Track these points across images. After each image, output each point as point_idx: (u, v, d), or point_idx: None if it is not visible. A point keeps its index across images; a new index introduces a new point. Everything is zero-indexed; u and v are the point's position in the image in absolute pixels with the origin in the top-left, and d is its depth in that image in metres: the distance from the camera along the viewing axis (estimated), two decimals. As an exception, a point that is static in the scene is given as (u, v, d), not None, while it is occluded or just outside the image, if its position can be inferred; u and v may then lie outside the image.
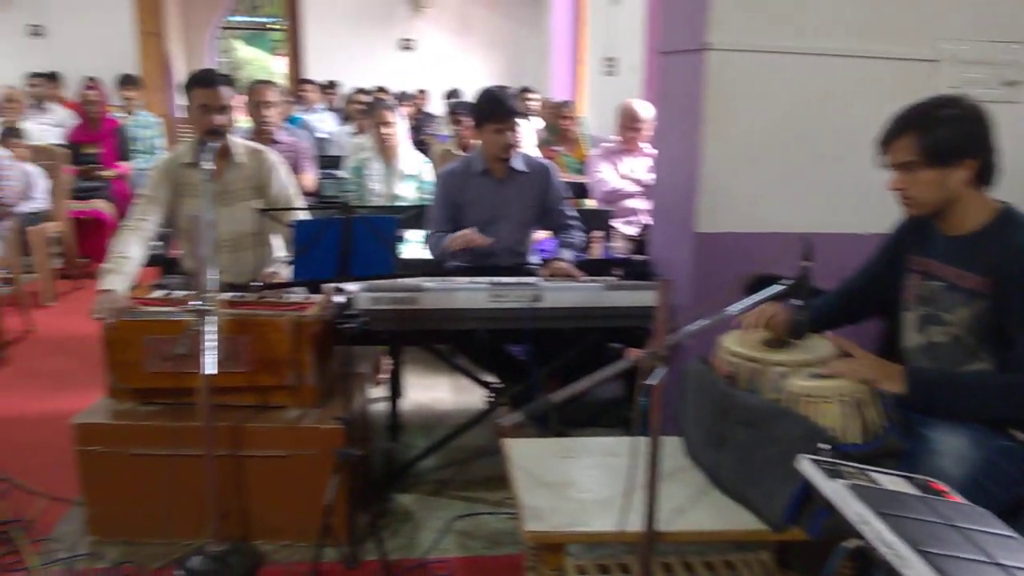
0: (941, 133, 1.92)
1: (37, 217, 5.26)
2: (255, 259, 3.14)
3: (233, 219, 3.07)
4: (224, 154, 3.05)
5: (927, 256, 2.07)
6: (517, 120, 3.23)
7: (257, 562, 2.50)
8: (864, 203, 2.87)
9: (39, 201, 5.30)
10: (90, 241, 5.85)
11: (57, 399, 3.62)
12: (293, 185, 3.26)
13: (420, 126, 8.21)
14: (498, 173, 3.34)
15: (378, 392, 3.50)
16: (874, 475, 1.56)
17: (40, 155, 5.60)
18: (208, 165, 2.67)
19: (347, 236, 2.36)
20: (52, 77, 8.41)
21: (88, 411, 2.64)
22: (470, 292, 2.79)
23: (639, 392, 1.63)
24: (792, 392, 1.92)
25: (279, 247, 3.22)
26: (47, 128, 7.25)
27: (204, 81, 2.96)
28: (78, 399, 2.77)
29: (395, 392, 3.33)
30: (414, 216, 3.48)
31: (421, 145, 7.01)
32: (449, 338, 3.13)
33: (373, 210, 3.79)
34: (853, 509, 1.39)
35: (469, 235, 3.14)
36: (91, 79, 8.30)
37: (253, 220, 3.07)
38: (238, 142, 3.13)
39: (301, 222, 2.48)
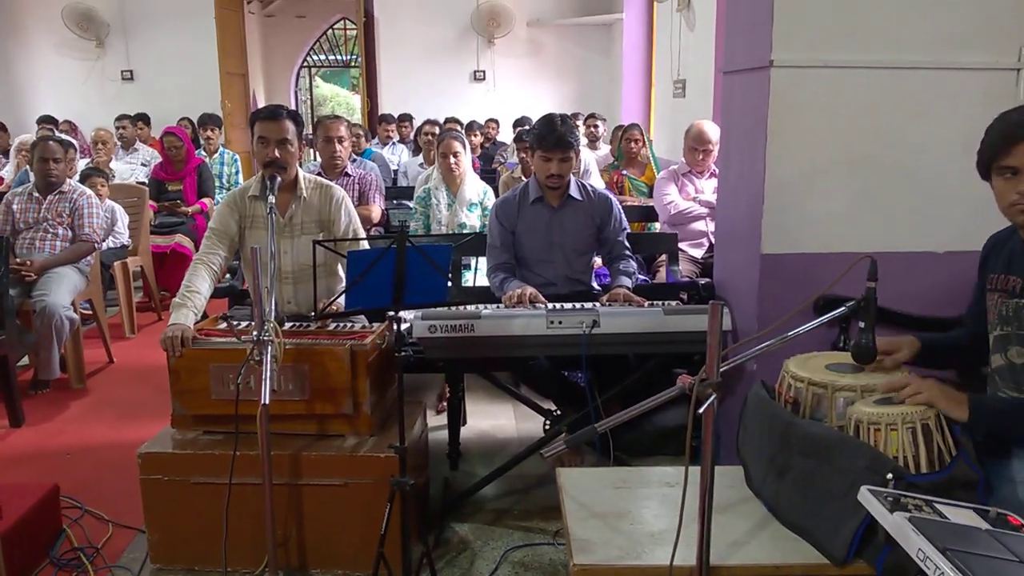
0: None
1: (120, 252, 5.49)
2: (322, 291, 3.18)
3: (297, 251, 3.12)
4: (290, 188, 3.11)
5: (1009, 273, 1.94)
6: (567, 149, 3.17)
7: (313, 591, 2.50)
8: (938, 220, 2.74)
9: (121, 236, 5.53)
10: (172, 275, 6.05)
11: (131, 428, 3.74)
12: (358, 219, 3.29)
13: (490, 155, 8.29)
14: (552, 201, 3.31)
15: (440, 420, 3.49)
16: (941, 507, 1.45)
17: (124, 192, 5.86)
18: (272, 199, 2.74)
19: (401, 264, 2.36)
20: (139, 118, 8.82)
21: (152, 440, 2.70)
22: (527, 319, 2.76)
23: (692, 420, 1.57)
24: (856, 419, 1.81)
25: (336, 276, 3.25)
26: (135, 167, 7.60)
27: (265, 115, 3.02)
28: (151, 428, 2.84)
29: (455, 420, 3.32)
30: (477, 243, 3.47)
31: (491, 173, 7.08)
32: (507, 365, 3.10)
33: (433, 238, 3.81)
34: (913, 544, 1.30)
35: (526, 294, 3.07)
36: (182, 120, 8.70)
37: (317, 252, 3.11)
38: (305, 177, 3.19)
39: (354, 252, 2.49)
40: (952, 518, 1.41)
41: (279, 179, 2.91)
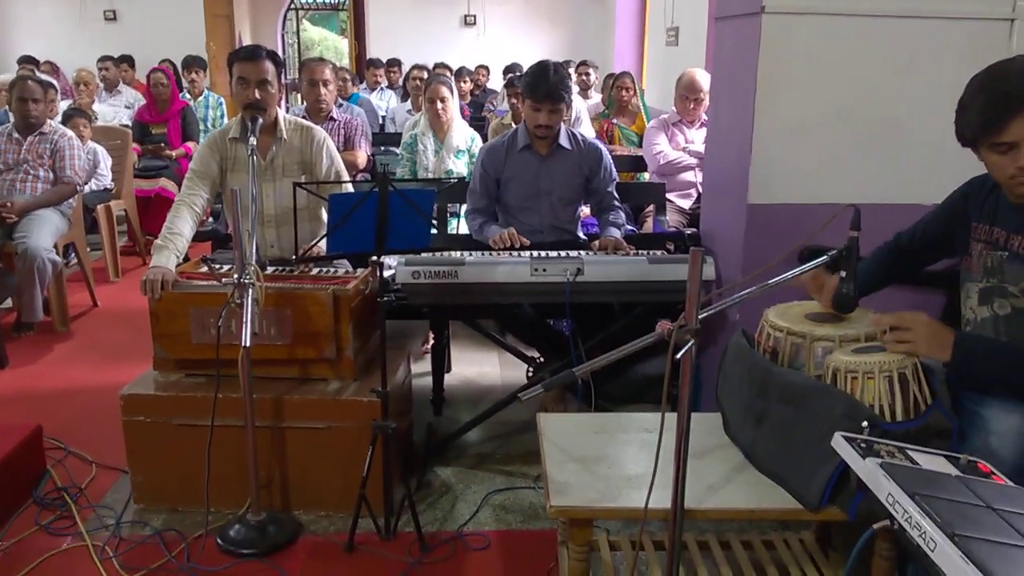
0: None
1: (103, 195, 5.42)
2: (305, 234, 3.15)
3: (279, 194, 3.09)
4: (271, 130, 3.06)
5: (994, 224, 1.94)
6: (557, 101, 3.12)
7: (295, 532, 2.53)
8: (926, 173, 2.72)
9: (104, 179, 5.45)
10: (156, 218, 5.98)
11: (114, 371, 3.73)
12: (341, 162, 3.25)
13: (480, 102, 8.19)
14: (540, 149, 3.27)
15: (425, 367, 3.50)
16: (913, 454, 1.47)
17: (107, 135, 5.76)
18: (253, 140, 2.70)
19: (383, 208, 2.34)
20: (123, 60, 8.65)
21: (134, 383, 2.70)
22: (511, 265, 2.75)
23: (671, 366, 1.57)
24: (834, 368, 1.82)
25: (318, 220, 3.22)
26: (118, 109, 7.47)
27: (244, 55, 2.97)
28: (134, 371, 2.84)
29: (439, 366, 3.33)
30: (462, 189, 3.44)
31: (481, 120, 7.00)
32: (491, 312, 3.10)
33: (419, 183, 3.77)
34: (884, 488, 1.31)
35: (511, 236, 3.06)
36: (163, 61, 8.53)
37: (299, 195, 3.08)
38: (286, 118, 3.14)
39: (336, 195, 2.47)
40: (923, 464, 1.43)
41: (260, 120, 2.87)
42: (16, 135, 4.55)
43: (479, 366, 3.87)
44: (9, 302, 4.48)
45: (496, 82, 9.36)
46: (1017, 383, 1.79)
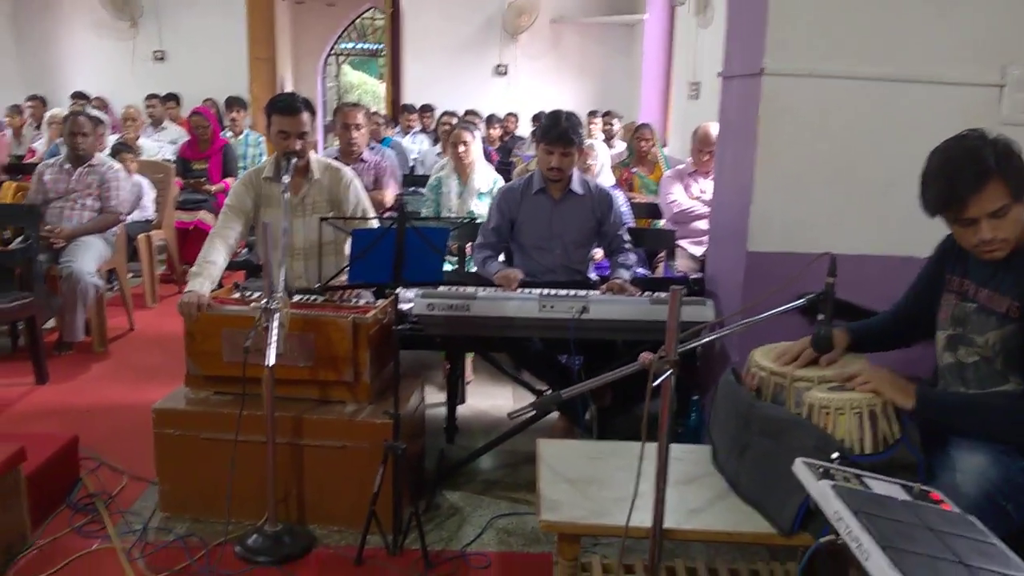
0: (1016, 165, 1.83)
1: (145, 225, 5.71)
2: (330, 267, 3.36)
3: (308, 229, 3.32)
4: (303, 170, 3.31)
5: (964, 276, 2.08)
6: (568, 144, 3.33)
7: (309, 544, 2.69)
8: (916, 226, 2.84)
9: (147, 211, 5.75)
10: (194, 249, 6.22)
11: (147, 390, 3.91)
12: (367, 200, 3.48)
13: (509, 147, 8.46)
14: (554, 193, 3.47)
15: (442, 397, 3.67)
16: (869, 481, 1.60)
17: (152, 169, 6.08)
18: (286, 179, 2.95)
19: (400, 243, 2.54)
20: (170, 98, 9.06)
21: (167, 397, 2.90)
22: (520, 301, 2.93)
23: (650, 393, 1.73)
24: (809, 404, 1.97)
25: (341, 254, 3.43)
26: (163, 144, 7.83)
27: (283, 108, 3.20)
28: (165, 390, 3.02)
29: (452, 396, 3.50)
30: (476, 229, 3.64)
31: (508, 165, 7.24)
32: (501, 345, 3.27)
33: (438, 222, 4.00)
34: (831, 506, 1.45)
35: (512, 276, 3.25)
36: (207, 100, 8.94)
37: (326, 231, 3.30)
38: (316, 159, 3.38)
39: (359, 230, 2.68)
40: (875, 490, 1.56)
41: (293, 161, 3.11)
42: (67, 166, 4.84)
43: (492, 399, 4.03)
44: (52, 321, 4.73)
45: (525, 129, 9.64)
46: (976, 431, 1.92)
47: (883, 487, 1.59)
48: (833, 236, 2.90)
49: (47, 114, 7.85)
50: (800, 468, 1.63)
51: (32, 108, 8.73)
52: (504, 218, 3.50)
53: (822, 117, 2.85)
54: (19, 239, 4.54)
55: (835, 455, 1.80)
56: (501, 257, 3.58)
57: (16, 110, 8.64)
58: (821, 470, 1.60)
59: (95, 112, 6.33)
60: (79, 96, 9.27)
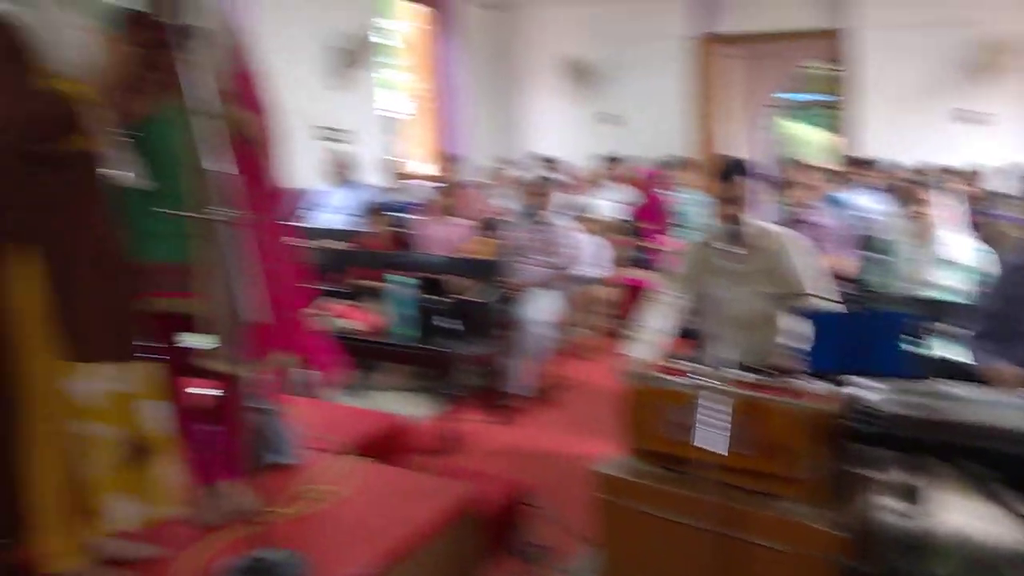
0: None
1: (596, 281, 6.10)
2: (762, 340, 3.24)
3: (746, 300, 3.23)
4: (742, 237, 3.24)
5: None
6: None
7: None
8: None
9: (599, 268, 6.13)
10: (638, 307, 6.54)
11: (584, 443, 4.11)
12: (815, 268, 3.28)
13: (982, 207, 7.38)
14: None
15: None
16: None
17: (605, 228, 6.51)
18: (736, 249, 2.89)
19: (856, 330, 2.29)
20: (613, 160, 9.61)
21: (611, 463, 2.92)
22: (1009, 408, 2.44)
23: None
24: None
25: (783, 330, 3.26)
26: (614, 204, 8.31)
27: (719, 173, 3.23)
28: (603, 446, 3.08)
29: (913, 507, 3.05)
30: (940, 308, 3.17)
31: (976, 227, 6.31)
32: (980, 457, 2.77)
33: (891, 300, 3.59)
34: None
35: (1009, 375, 2.74)
36: (657, 162, 9.37)
37: (765, 301, 3.17)
38: (756, 226, 3.29)
39: (819, 313, 2.48)
40: None
41: (731, 228, 3.05)
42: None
43: (968, 515, 3.43)
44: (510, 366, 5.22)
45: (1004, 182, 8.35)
46: None
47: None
48: None
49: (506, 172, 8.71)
50: None
51: (500, 169, 9.85)
52: (1004, 297, 2.99)
53: None
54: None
55: None
56: None
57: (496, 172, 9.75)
58: None
59: (547, 173, 6.94)
60: (537, 156, 10.17)
